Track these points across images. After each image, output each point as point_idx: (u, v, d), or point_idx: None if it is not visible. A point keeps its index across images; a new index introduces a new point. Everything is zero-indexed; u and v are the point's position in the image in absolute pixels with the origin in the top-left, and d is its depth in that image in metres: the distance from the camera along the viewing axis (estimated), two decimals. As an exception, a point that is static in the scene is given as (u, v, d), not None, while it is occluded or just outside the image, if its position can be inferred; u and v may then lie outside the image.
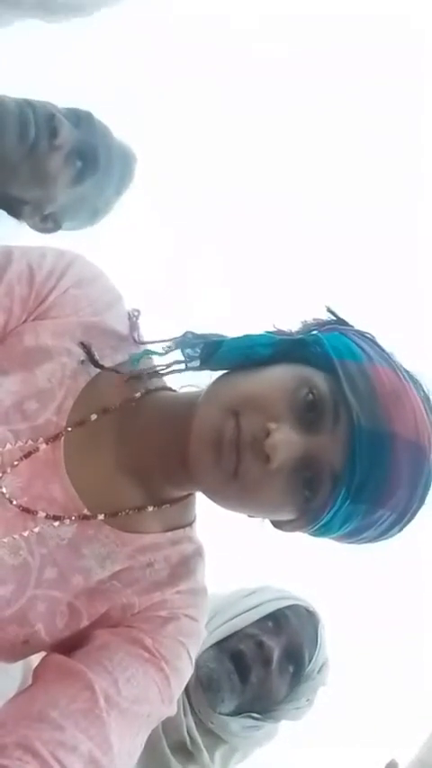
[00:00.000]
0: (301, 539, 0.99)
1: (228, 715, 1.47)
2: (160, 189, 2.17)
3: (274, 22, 2.27)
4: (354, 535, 0.92)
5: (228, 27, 2.26)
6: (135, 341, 1.00)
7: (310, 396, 0.88)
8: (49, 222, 1.59)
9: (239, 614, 1.49)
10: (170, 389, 1.00)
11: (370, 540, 0.93)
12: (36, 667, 0.93)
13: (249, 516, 0.96)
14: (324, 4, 2.26)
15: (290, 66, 2.28)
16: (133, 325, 1.01)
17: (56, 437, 0.93)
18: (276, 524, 0.96)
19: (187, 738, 1.44)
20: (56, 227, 1.61)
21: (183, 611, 0.96)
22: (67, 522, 0.92)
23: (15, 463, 0.92)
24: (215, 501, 0.93)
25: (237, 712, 1.48)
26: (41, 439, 0.92)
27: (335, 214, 2.30)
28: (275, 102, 2.31)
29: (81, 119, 1.55)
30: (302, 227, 2.30)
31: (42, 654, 0.95)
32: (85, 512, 0.93)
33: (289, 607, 1.52)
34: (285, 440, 0.86)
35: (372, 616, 2.22)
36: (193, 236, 2.31)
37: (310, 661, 1.52)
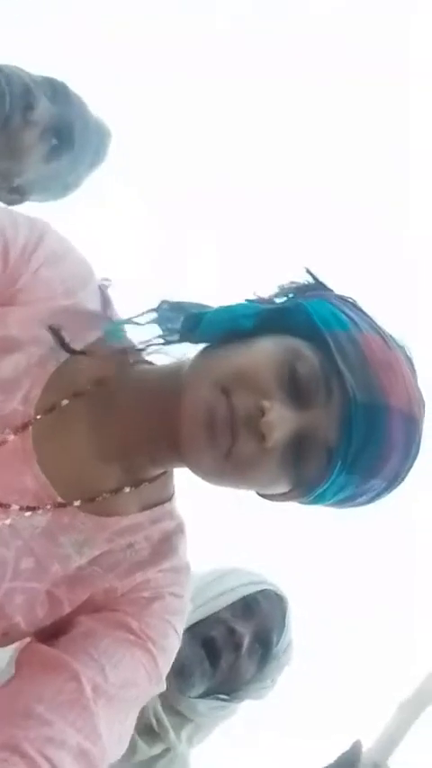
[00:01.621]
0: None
1: (196, 698, 1.48)
2: (147, 172, 2.15)
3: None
4: (346, 502, 0.92)
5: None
6: (109, 318, 0.96)
7: (301, 369, 0.86)
8: (15, 194, 1.55)
9: (211, 599, 1.49)
10: (147, 362, 0.97)
11: (360, 505, 0.93)
12: (19, 656, 0.91)
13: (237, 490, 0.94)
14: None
15: (278, 47, 2.27)
16: (106, 301, 0.97)
17: (24, 426, 0.90)
18: (266, 496, 0.95)
19: (153, 721, 1.45)
20: (22, 199, 1.56)
21: (167, 589, 0.94)
22: (41, 511, 0.90)
23: None
24: (207, 480, 0.91)
25: (205, 694, 1.50)
26: (8, 430, 0.90)
27: (327, 196, 2.30)
28: (267, 80, 2.29)
29: (57, 91, 1.50)
30: (294, 208, 2.29)
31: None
32: (59, 500, 0.91)
33: (260, 592, 1.53)
34: (280, 417, 0.84)
35: (339, 596, 2.23)
36: (181, 221, 2.29)
37: (277, 643, 1.53)
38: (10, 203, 1.55)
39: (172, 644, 0.94)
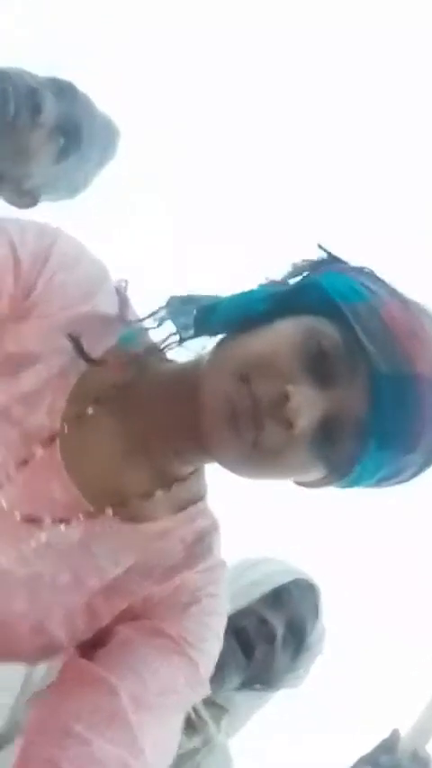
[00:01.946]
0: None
1: (233, 689, 1.48)
2: (161, 175, 2.15)
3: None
4: (384, 481, 0.88)
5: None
6: (128, 320, 0.93)
7: (322, 347, 0.83)
8: (27, 197, 1.54)
9: (242, 590, 1.49)
10: (168, 360, 0.95)
11: (399, 483, 0.89)
12: (60, 670, 0.91)
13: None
14: None
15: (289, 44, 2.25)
16: (123, 301, 0.95)
17: (51, 439, 0.88)
18: (302, 484, 0.92)
19: (192, 714, 1.45)
20: (33, 202, 1.56)
21: (203, 591, 0.93)
22: (74, 523, 0.89)
23: (12, 473, 0.88)
24: (236, 473, 0.88)
25: (241, 686, 1.50)
26: (35, 444, 0.88)
27: (345, 200, 2.28)
28: (277, 83, 2.28)
29: (63, 90, 1.49)
30: (308, 204, 2.28)
31: None
32: (91, 509, 0.89)
33: (292, 581, 1.52)
34: (306, 401, 0.81)
35: (372, 583, 2.22)
36: (195, 224, 2.28)
37: (310, 633, 1.53)
38: (21, 207, 1.55)
39: (212, 647, 0.93)
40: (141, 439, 0.91)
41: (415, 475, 0.88)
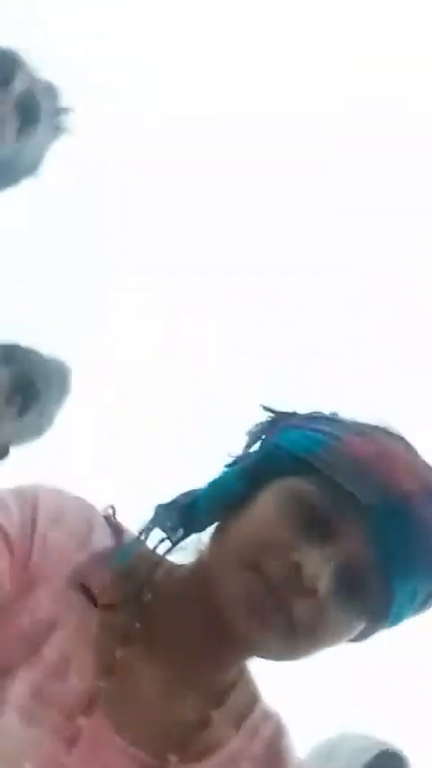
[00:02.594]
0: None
1: None
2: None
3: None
4: (427, 604, 0.87)
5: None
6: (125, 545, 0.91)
7: (309, 505, 0.83)
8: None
9: None
10: (172, 568, 0.92)
11: None
12: None
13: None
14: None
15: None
16: (117, 530, 0.92)
17: (91, 703, 0.84)
18: (353, 640, 0.88)
19: None
20: (3, 454, 1.61)
21: None
22: None
23: (64, 759, 0.83)
24: (281, 660, 0.86)
25: None
26: (78, 715, 0.84)
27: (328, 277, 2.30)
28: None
29: (10, 354, 1.59)
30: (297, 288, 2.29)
31: None
32: (153, 763, 0.84)
33: (376, 756, 1.44)
34: (317, 562, 0.80)
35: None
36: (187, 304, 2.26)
37: None
38: (-5, 460, 1.59)
39: None
40: (178, 664, 0.88)
41: None
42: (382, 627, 0.88)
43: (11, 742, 0.84)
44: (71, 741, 0.84)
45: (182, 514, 0.89)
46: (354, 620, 0.84)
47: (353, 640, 0.89)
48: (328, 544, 0.82)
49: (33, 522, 0.88)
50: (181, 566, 0.92)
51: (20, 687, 0.84)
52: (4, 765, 0.84)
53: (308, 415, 0.92)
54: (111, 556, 0.91)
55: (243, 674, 0.92)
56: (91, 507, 0.94)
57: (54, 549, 0.88)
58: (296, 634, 0.82)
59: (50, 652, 0.86)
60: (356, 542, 0.82)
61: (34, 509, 0.89)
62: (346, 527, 0.82)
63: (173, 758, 0.86)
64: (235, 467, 0.90)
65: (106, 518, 0.94)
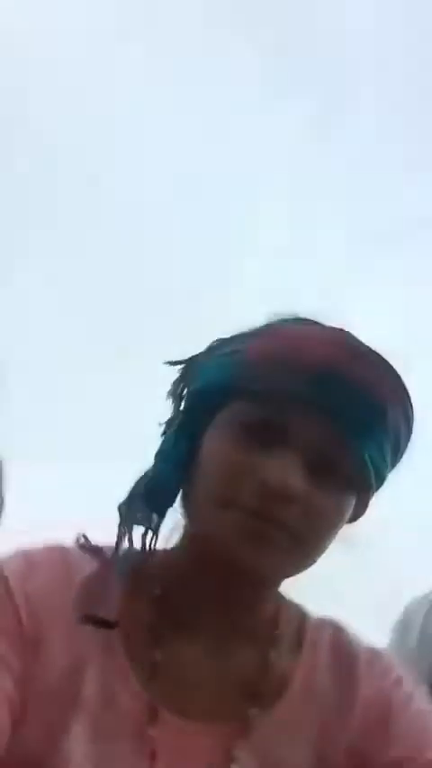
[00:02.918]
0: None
1: None
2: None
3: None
4: (399, 454, 0.88)
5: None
6: (110, 560, 0.90)
7: (249, 422, 0.84)
8: None
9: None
10: (165, 552, 0.93)
11: (410, 440, 0.89)
12: None
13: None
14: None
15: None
16: (95, 552, 0.92)
17: (152, 714, 0.84)
18: (354, 517, 0.90)
19: None
20: None
21: (386, 691, 0.88)
22: (238, 750, 0.84)
23: None
24: (306, 567, 0.87)
25: None
26: (145, 728, 0.84)
27: None
28: None
29: None
30: None
31: None
32: (235, 726, 0.85)
33: None
34: (282, 470, 0.81)
35: None
36: None
37: None
38: None
39: None
40: (214, 631, 0.88)
41: (410, 424, 0.88)
42: (371, 491, 0.89)
43: None
44: (151, 756, 0.84)
45: (146, 500, 0.89)
46: (343, 499, 0.85)
47: (353, 519, 0.90)
48: (285, 446, 0.83)
49: (8, 591, 0.87)
50: (173, 548, 0.93)
51: (78, 739, 0.83)
52: None
53: (208, 347, 0.93)
54: (102, 575, 0.90)
55: (280, 602, 0.92)
56: (57, 547, 0.94)
57: (41, 600, 0.88)
58: (299, 539, 0.83)
59: (90, 690, 0.85)
60: (308, 429, 0.83)
61: (4, 581, 0.88)
62: (293, 421, 0.83)
63: (253, 711, 0.86)
64: (171, 429, 0.90)
65: (80, 547, 0.94)
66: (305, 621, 0.93)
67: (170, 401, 0.92)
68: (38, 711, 0.83)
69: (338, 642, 0.92)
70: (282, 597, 0.93)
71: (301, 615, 0.93)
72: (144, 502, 0.89)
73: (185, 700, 0.86)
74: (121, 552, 0.90)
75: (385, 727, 0.86)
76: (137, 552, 0.90)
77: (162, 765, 0.84)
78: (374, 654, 0.91)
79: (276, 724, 0.87)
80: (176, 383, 0.93)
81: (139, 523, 0.90)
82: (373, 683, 0.89)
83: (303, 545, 0.83)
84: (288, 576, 0.88)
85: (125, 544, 0.89)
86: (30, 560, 0.91)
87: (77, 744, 0.82)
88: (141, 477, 0.90)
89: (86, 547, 0.93)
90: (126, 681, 0.86)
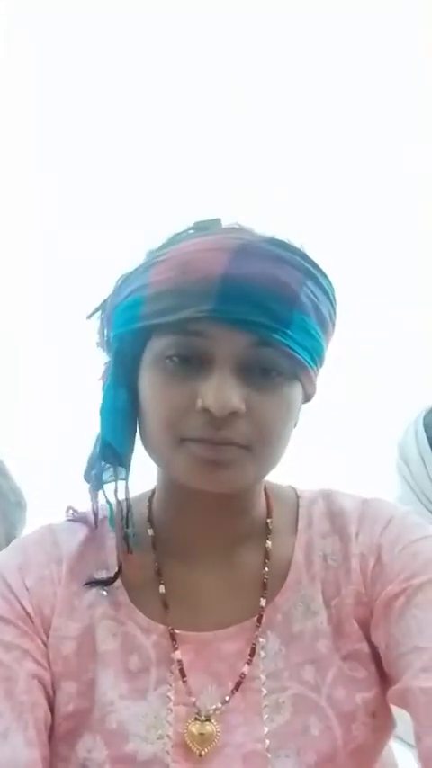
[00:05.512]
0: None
1: None
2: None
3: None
4: (326, 321, 0.89)
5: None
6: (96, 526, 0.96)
7: (175, 357, 0.85)
8: None
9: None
10: (144, 495, 0.98)
11: (336, 303, 0.90)
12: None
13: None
14: None
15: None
16: (82, 518, 0.97)
17: (173, 638, 0.90)
18: (310, 396, 0.92)
19: None
20: None
21: (381, 538, 0.92)
22: (260, 641, 0.90)
23: (186, 699, 0.89)
24: (273, 468, 0.89)
25: None
26: (171, 653, 0.89)
27: None
28: None
29: None
30: None
31: None
32: (249, 622, 0.91)
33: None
34: (218, 390, 0.83)
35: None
36: None
37: None
38: None
39: None
40: (212, 548, 0.92)
41: (322, 283, 0.89)
42: (312, 370, 0.89)
43: (144, 721, 0.88)
44: (182, 674, 0.89)
45: (106, 457, 0.92)
46: (283, 393, 0.86)
47: (307, 399, 0.92)
48: (213, 366, 0.84)
49: (9, 587, 0.92)
50: (153, 488, 0.97)
51: (110, 685, 0.89)
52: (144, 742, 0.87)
53: (115, 288, 0.93)
54: (92, 538, 0.95)
55: (268, 493, 0.96)
56: (44, 528, 0.98)
57: (38, 584, 0.92)
58: (255, 449, 0.85)
59: (107, 644, 0.91)
60: (229, 342, 0.84)
61: (3, 580, 0.93)
62: (212, 340, 0.84)
63: (262, 601, 0.91)
64: (106, 381, 0.92)
65: (72, 520, 0.98)
66: (296, 503, 0.96)
67: (99, 353, 0.94)
68: (65, 681, 0.90)
69: (331, 508, 0.95)
70: (270, 487, 0.96)
71: (292, 497, 0.97)
72: (105, 459, 0.92)
73: (199, 617, 0.91)
74: (103, 511, 0.94)
75: (380, 570, 0.90)
76: (118, 505, 0.94)
77: (194, 681, 0.89)
78: (364, 505, 0.94)
79: (288, 603, 0.91)
80: (99, 332, 0.94)
81: (107, 482, 0.93)
82: (365, 533, 0.92)
83: (261, 451, 0.85)
84: (261, 479, 0.92)
85: (104, 502, 0.94)
86: (18, 552, 0.95)
87: (112, 689, 0.89)
88: (95, 440, 0.93)
89: (76, 517, 0.98)
90: (138, 621, 0.91)
